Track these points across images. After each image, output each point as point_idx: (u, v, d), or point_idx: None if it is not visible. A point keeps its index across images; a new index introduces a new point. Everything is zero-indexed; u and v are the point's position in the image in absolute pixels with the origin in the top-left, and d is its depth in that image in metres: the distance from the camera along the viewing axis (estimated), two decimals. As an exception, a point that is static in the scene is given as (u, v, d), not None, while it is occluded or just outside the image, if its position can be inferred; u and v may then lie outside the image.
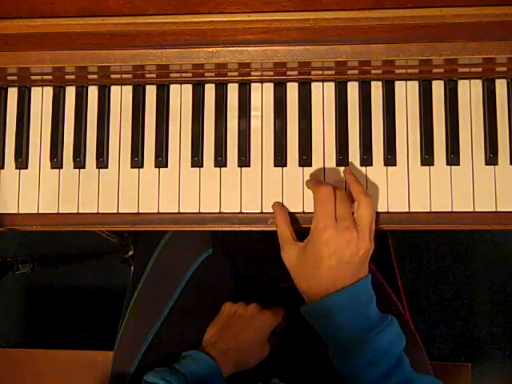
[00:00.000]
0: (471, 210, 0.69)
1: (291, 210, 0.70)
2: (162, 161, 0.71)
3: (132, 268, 0.91)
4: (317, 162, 0.71)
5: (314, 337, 0.65)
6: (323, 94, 0.72)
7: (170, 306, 0.80)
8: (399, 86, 0.71)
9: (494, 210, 0.69)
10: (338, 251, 0.61)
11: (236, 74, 0.70)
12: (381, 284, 0.84)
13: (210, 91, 0.73)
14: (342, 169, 0.70)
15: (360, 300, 0.62)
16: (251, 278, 0.87)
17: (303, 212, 0.70)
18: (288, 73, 0.70)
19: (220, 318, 0.76)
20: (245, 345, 0.73)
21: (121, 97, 0.73)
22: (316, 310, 0.63)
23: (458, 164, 0.69)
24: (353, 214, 0.63)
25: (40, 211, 0.72)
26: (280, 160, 0.71)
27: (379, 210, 0.69)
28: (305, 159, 0.70)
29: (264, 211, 0.70)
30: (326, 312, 0.62)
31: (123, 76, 0.71)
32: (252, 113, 0.72)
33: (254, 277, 0.87)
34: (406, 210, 0.69)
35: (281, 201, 0.70)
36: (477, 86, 0.70)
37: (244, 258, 0.88)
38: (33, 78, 0.72)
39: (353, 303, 0.61)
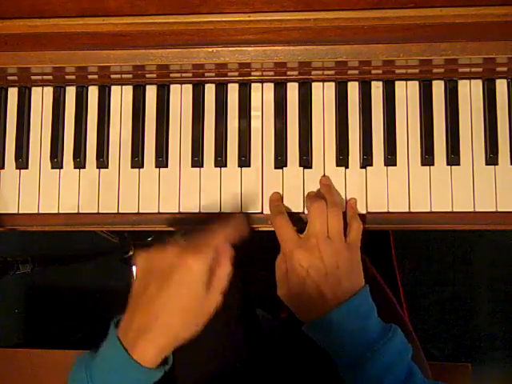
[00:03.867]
0: (471, 210, 0.69)
1: (291, 211, 0.70)
2: (162, 161, 0.71)
3: (133, 268, 0.91)
4: (317, 162, 0.71)
5: (313, 345, 0.65)
6: (323, 94, 0.72)
7: None
8: (399, 86, 0.71)
9: (494, 210, 0.69)
10: (313, 266, 0.62)
11: (236, 73, 0.70)
12: (380, 285, 0.84)
13: (210, 91, 0.73)
14: (342, 169, 0.70)
15: (359, 313, 0.61)
16: (255, 279, 0.86)
17: (303, 212, 0.70)
18: (288, 73, 0.70)
19: (134, 286, 0.57)
20: (166, 311, 0.54)
21: (121, 97, 0.73)
22: (317, 328, 0.62)
23: (459, 164, 0.69)
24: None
25: (40, 211, 0.72)
26: (280, 160, 0.71)
27: (379, 210, 0.69)
28: (305, 159, 0.70)
29: (264, 211, 0.70)
30: (327, 329, 0.61)
31: (123, 76, 0.71)
32: (252, 113, 0.72)
33: (258, 278, 0.86)
34: (407, 210, 0.69)
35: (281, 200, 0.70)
36: (477, 85, 0.70)
37: (248, 259, 0.87)
38: (33, 78, 0.72)
39: (352, 317, 0.61)
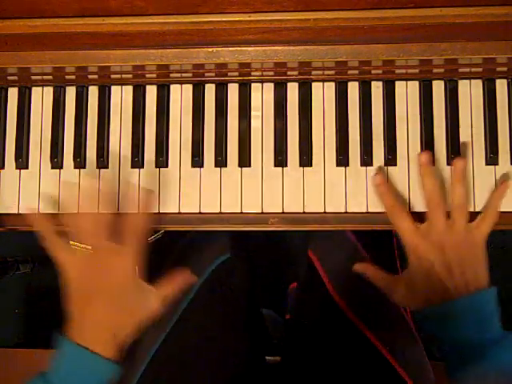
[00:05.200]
0: (471, 210, 0.69)
1: (292, 211, 0.70)
2: (162, 161, 0.71)
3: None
4: (317, 162, 0.71)
5: (318, 348, 0.63)
6: (323, 94, 0.72)
7: (179, 312, 0.76)
8: (399, 86, 0.71)
9: (494, 210, 0.69)
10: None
11: (236, 73, 0.70)
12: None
13: (210, 91, 0.73)
14: (342, 169, 0.70)
15: (481, 311, 0.60)
16: (269, 283, 0.84)
17: (303, 212, 0.70)
18: (288, 73, 0.70)
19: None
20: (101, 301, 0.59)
21: (121, 97, 0.73)
22: (434, 314, 0.62)
23: (459, 164, 0.69)
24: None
25: (40, 211, 0.72)
26: (280, 160, 0.71)
27: (380, 211, 0.69)
28: (305, 159, 0.70)
29: (264, 211, 0.70)
30: (446, 316, 0.61)
31: (123, 76, 0.71)
32: (252, 113, 0.72)
33: (272, 282, 0.84)
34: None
35: (281, 201, 0.70)
36: (477, 86, 0.70)
37: (263, 262, 0.85)
38: (33, 78, 0.72)
39: (473, 312, 0.60)
